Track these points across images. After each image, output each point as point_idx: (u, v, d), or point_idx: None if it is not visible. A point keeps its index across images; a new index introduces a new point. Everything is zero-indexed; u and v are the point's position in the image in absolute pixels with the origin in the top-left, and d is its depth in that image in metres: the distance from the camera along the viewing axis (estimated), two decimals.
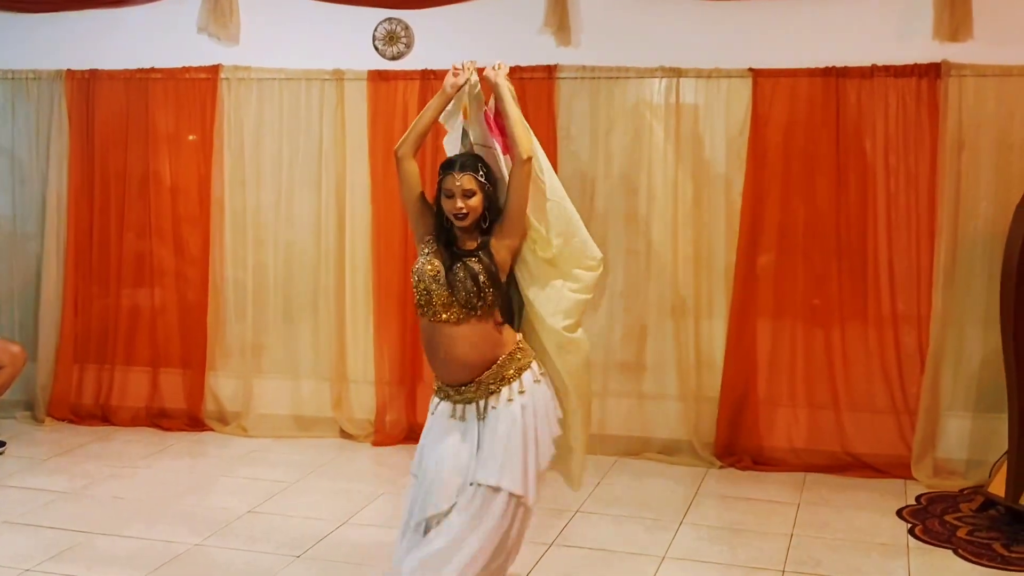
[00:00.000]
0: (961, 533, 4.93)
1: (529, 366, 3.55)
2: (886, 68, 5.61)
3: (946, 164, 5.53)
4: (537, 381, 3.56)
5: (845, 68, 5.66)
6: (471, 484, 3.48)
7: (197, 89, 6.56)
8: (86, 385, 6.85)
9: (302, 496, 5.48)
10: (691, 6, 5.90)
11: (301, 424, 6.59)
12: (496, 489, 3.45)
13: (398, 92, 6.30)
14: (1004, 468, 4.99)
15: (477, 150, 3.68)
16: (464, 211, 3.47)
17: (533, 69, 6.08)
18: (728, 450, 5.96)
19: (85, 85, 6.70)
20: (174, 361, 6.73)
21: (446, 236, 3.55)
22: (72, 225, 6.77)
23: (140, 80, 6.64)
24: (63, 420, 6.77)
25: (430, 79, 6.22)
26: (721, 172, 5.93)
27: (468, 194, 3.48)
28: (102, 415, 6.80)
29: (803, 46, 5.75)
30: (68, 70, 6.71)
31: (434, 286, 3.45)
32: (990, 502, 5.10)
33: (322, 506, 5.30)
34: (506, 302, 3.56)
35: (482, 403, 3.51)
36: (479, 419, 3.52)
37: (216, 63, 6.53)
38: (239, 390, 6.64)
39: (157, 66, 6.62)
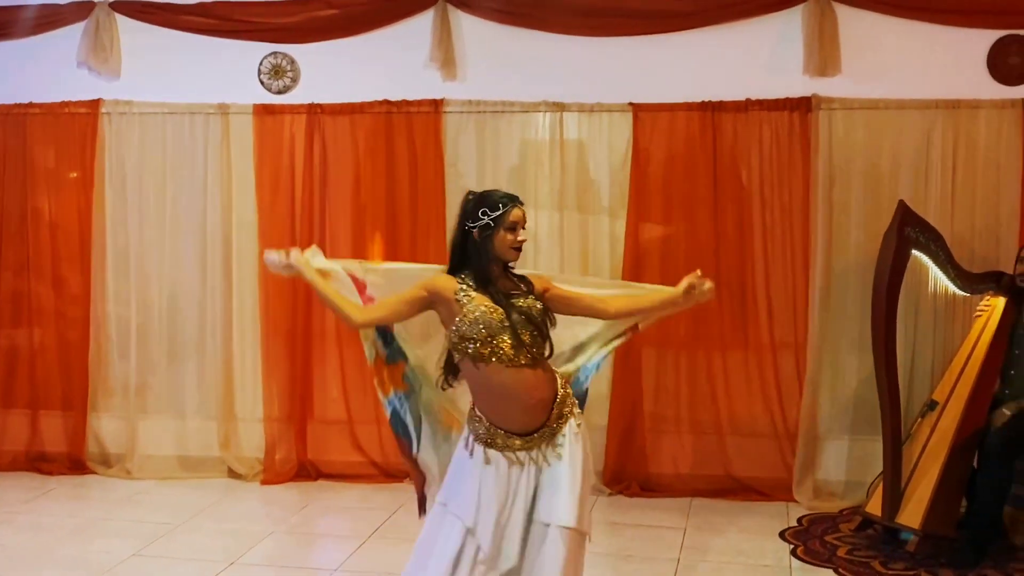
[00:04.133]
0: (841, 552, 5.07)
1: (576, 401, 3.47)
2: (760, 102, 5.80)
3: (818, 194, 5.73)
4: (581, 413, 3.47)
5: (721, 102, 5.83)
6: (545, 525, 3.31)
7: (77, 124, 6.44)
8: None
9: (188, 538, 5.37)
10: (573, 41, 6.02)
11: (187, 465, 6.46)
12: (568, 528, 3.29)
13: (285, 126, 6.29)
14: (880, 488, 5.15)
15: None
16: (523, 242, 3.38)
17: (419, 103, 6.14)
18: (617, 477, 6.03)
19: None
20: (54, 403, 6.55)
21: (486, 279, 3.35)
22: None
23: (18, 115, 6.49)
24: None
25: (317, 113, 6.24)
26: (605, 205, 6.05)
27: (524, 225, 3.39)
28: None
29: (680, 81, 5.90)
30: None
31: (500, 332, 3.26)
32: (868, 521, 5.26)
33: (209, 547, 5.20)
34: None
35: (544, 447, 3.34)
36: (539, 463, 3.34)
37: (97, 97, 6.42)
38: (122, 431, 6.48)
39: (36, 101, 6.48)
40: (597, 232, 6.07)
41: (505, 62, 6.11)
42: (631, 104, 5.93)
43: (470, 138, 6.14)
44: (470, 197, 3.42)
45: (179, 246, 6.45)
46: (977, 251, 5.59)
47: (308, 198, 6.27)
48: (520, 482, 3.33)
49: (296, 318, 6.29)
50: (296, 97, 6.32)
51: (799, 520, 5.55)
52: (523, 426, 3.33)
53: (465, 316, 3.27)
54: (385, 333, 3.63)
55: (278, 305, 6.32)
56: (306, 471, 6.33)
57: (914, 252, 5.09)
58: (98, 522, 5.64)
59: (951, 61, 5.71)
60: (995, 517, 4.96)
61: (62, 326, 6.53)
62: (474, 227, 3.34)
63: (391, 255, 6.24)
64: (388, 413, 3.69)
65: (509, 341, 3.25)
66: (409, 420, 3.67)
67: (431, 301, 3.36)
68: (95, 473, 6.45)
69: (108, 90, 6.44)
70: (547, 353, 3.41)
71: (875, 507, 5.15)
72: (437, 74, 6.12)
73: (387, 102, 6.17)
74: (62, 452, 6.52)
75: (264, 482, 6.27)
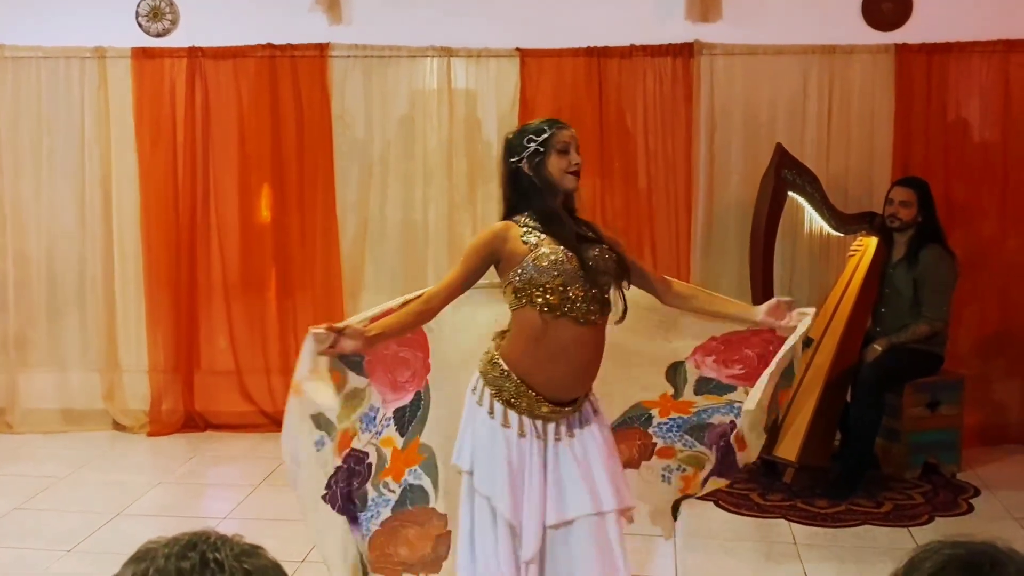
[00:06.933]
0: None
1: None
2: (643, 48, 5.85)
3: (700, 138, 5.84)
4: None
5: (606, 48, 5.86)
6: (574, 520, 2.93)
7: None
8: None
9: (73, 491, 5.28)
10: None
11: (71, 418, 6.31)
12: (607, 513, 2.95)
13: (165, 71, 6.13)
14: None
15: None
16: (580, 166, 2.98)
17: (304, 47, 6.04)
18: None
19: None
20: None
21: (550, 216, 2.94)
22: None
23: None
24: None
25: (197, 57, 6.09)
26: (494, 152, 6.03)
27: (577, 148, 3.01)
28: None
29: (567, 26, 5.91)
30: None
31: (574, 281, 2.86)
32: None
33: (94, 499, 5.12)
34: None
35: (568, 421, 2.97)
36: (562, 438, 2.96)
37: None
38: (2, 386, 6.30)
39: None
40: (486, 180, 6.06)
41: (392, 5, 6.04)
42: (518, 49, 5.94)
43: (357, 85, 6.07)
44: (509, 136, 3.07)
45: (57, 195, 6.25)
46: (851, 192, 5.76)
47: (190, 146, 6.13)
48: (534, 453, 2.93)
49: (180, 268, 6.18)
50: (176, 40, 6.15)
51: None
52: (563, 393, 2.95)
53: (538, 259, 2.87)
54: (405, 414, 3.23)
55: (162, 255, 6.19)
56: (193, 422, 6.25)
57: (791, 194, 5.23)
58: None
59: (827, 7, 5.85)
60: (867, 449, 5.16)
61: None
62: (522, 160, 2.97)
63: (278, 207, 6.17)
64: (396, 498, 3.23)
65: (582, 293, 2.88)
66: (427, 482, 3.26)
67: (494, 257, 2.96)
68: None
69: None
70: (621, 313, 3.02)
71: None
72: (323, 17, 6.02)
73: (271, 46, 6.06)
74: None
75: (151, 434, 6.18)
